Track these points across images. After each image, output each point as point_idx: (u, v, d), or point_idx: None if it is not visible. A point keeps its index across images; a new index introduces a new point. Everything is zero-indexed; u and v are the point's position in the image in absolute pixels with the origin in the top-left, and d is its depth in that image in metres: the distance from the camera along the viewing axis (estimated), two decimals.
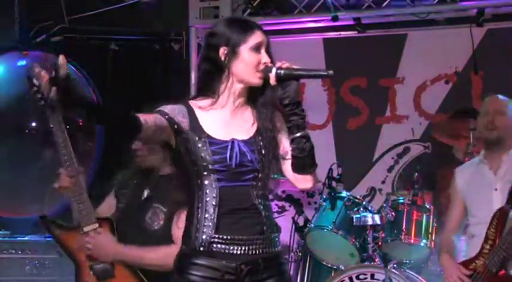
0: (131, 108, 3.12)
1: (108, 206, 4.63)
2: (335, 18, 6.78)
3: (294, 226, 6.11)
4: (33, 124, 6.67)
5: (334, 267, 5.82)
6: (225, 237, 3.19)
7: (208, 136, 3.23)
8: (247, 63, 3.22)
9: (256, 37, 3.23)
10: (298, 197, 6.37)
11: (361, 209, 5.89)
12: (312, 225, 5.87)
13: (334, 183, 6.01)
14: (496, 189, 4.57)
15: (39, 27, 7.09)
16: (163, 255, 4.14)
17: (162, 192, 4.36)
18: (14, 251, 5.75)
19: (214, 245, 3.19)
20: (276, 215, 7.03)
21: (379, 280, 5.41)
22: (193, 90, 7.12)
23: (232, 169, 3.20)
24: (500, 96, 4.79)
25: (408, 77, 7.07)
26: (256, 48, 3.22)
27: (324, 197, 5.99)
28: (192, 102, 3.30)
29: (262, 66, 3.20)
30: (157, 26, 7.31)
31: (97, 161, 6.70)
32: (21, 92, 6.58)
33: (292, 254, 6.16)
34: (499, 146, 4.60)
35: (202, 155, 3.19)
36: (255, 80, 3.22)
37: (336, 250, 5.83)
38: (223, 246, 3.19)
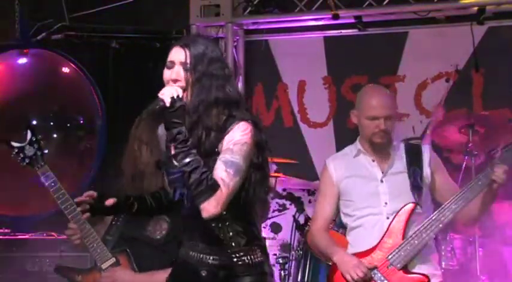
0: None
1: None
2: (336, 17, 6.80)
3: (294, 224, 6.11)
4: (34, 122, 6.65)
5: None
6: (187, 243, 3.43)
7: None
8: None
9: (170, 54, 3.36)
10: (299, 195, 6.38)
11: None
12: None
13: None
14: (382, 181, 4.43)
15: (39, 25, 7.12)
16: None
17: None
18: (14, 249, 5.79)
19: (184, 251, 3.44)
20: (276, 213, 7.08)
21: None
22: None
23: None
24: (385, 93, 4.64)
25: (409, 75, 7.08)
26: (167, 66, 3.35)
27: None
28: None
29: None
30: (158, 24, 7.35)
31: (99, 160, 6.71)
32: (21, 91, 6.64)
33: (293, 252, 6.16)
34: (387, 145, 4.51)
35: None
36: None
37: None
38: (187, 251, 3.41)
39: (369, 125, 4.45)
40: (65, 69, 6.84)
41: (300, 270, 6.08)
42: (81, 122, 6.83)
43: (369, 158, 4.51)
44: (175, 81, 3.25)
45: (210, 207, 3.14)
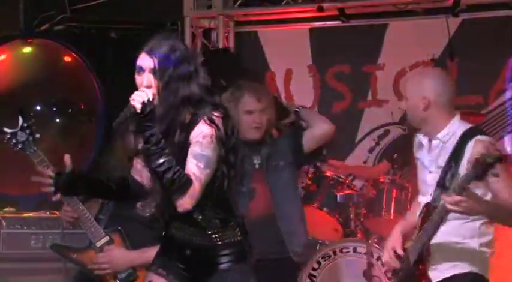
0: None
1: None
2: (320, 9, 7.03)
3: None
4: (38, 107, 6.81)
5: (319, 241, 5.95)
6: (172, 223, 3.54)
7: None
8: None
9: (138, 59, 3.35)
10: None
11: (345, 187, 6.17)
12: None
13: (319, 164, 6.26)
14: (430, 172, 4.09)
15: (42, 16, 7.23)
16: None
17: None
18: (19, 226, 5.80)
19: (170, 231, 3.56)
20: None
21: (360, 253, 5.61)
22: None
23: None
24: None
25: (388, 64, 7.31)
26: (137, 72, 3.33)
27: (310, 176, 6.22)
28: None
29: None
30: (155, 15, 7.47)
31: (98, 143, 6.84)
32: (25, 78, 6.80)
33: None
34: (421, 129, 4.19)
35: None
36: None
37: (320, 226, 6.02)
38: (174, 232, 3.53)
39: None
40: (67, 58, 6.94)
41: None
42: (82, 107, 6.97)
43: (425, 145, 4.17)
44: (148, 87, 3.23)
45: (184, 203, 3.25)
